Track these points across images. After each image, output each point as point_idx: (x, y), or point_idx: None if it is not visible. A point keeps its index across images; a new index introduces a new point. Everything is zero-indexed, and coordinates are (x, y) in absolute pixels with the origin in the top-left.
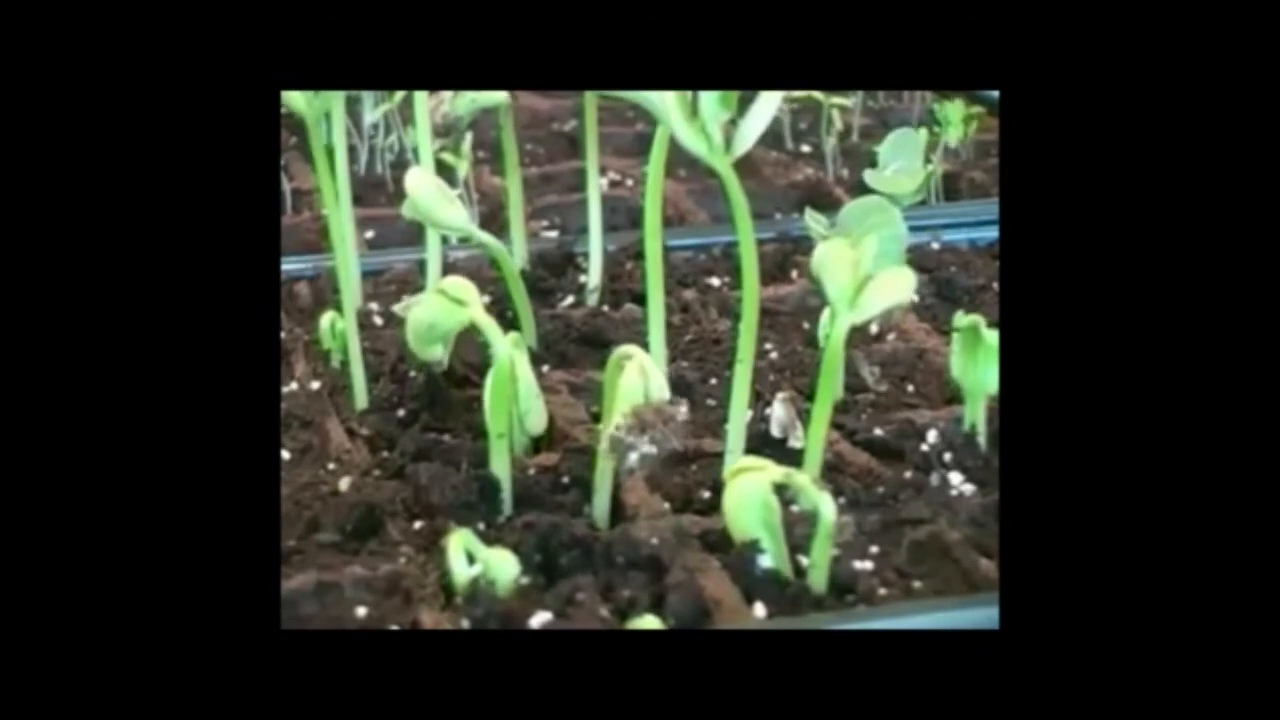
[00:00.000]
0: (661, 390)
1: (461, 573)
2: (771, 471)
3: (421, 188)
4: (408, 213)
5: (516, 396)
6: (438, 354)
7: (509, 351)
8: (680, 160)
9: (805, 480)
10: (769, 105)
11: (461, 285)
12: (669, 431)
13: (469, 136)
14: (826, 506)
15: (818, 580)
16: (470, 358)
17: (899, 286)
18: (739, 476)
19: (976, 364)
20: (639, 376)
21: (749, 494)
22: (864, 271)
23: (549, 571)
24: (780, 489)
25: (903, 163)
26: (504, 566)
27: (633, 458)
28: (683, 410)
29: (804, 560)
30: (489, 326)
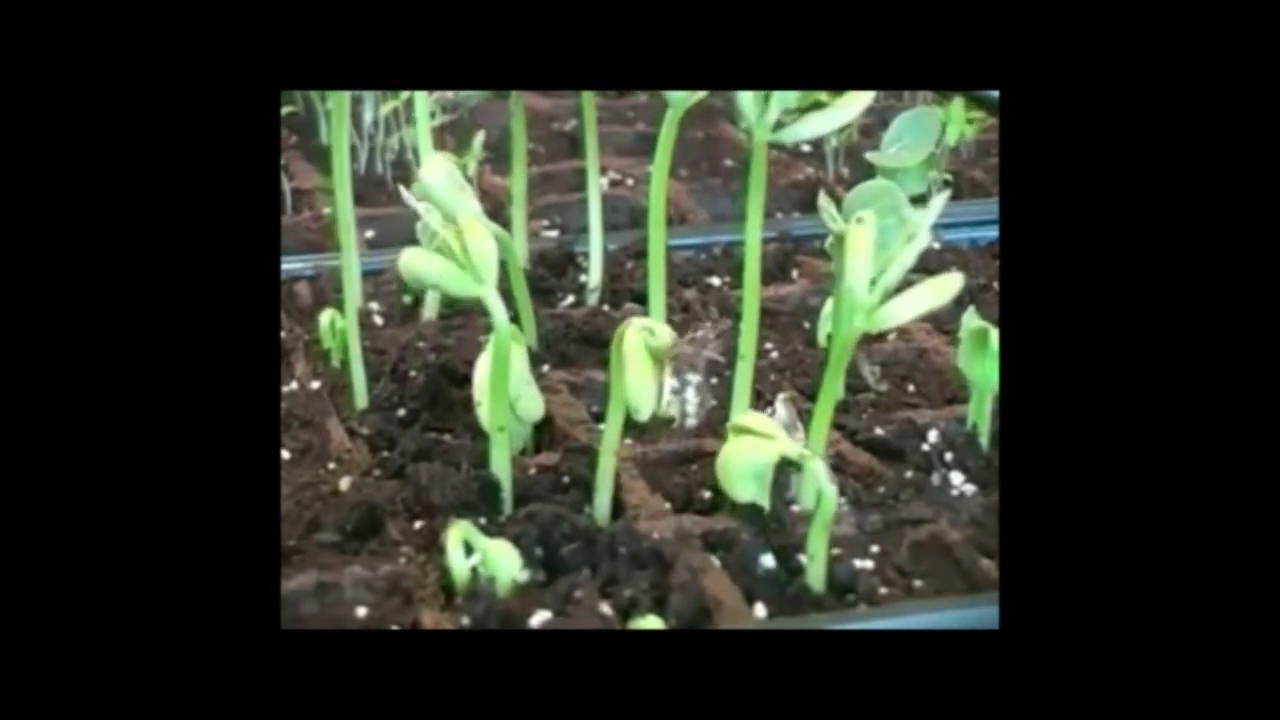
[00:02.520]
0: (669, 334)
1: (459, 565)
2: (784, 445)
3: (437, 175)
4: (416, 199)
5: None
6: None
7: (508, 329)
8: (681, 160)
9: (817, 462)
10: (839, 115)
11: (484, 252)
12: (703, 349)
13: (480, 135)
14: (830, 488)
15: (815, 575)
16: (470, 355)
17: (939, 294)
18: (747, 438)
19: (984, 359)
20: (639, 333)
21: (752, 459)
22: (887, 281)
23: (550, 565)
24: (780, 469)
25: (909, 141)
26: (504, 558)
27: (691, 394)
28: (707, 329)
29: (803, 559)
30: (497, 307)
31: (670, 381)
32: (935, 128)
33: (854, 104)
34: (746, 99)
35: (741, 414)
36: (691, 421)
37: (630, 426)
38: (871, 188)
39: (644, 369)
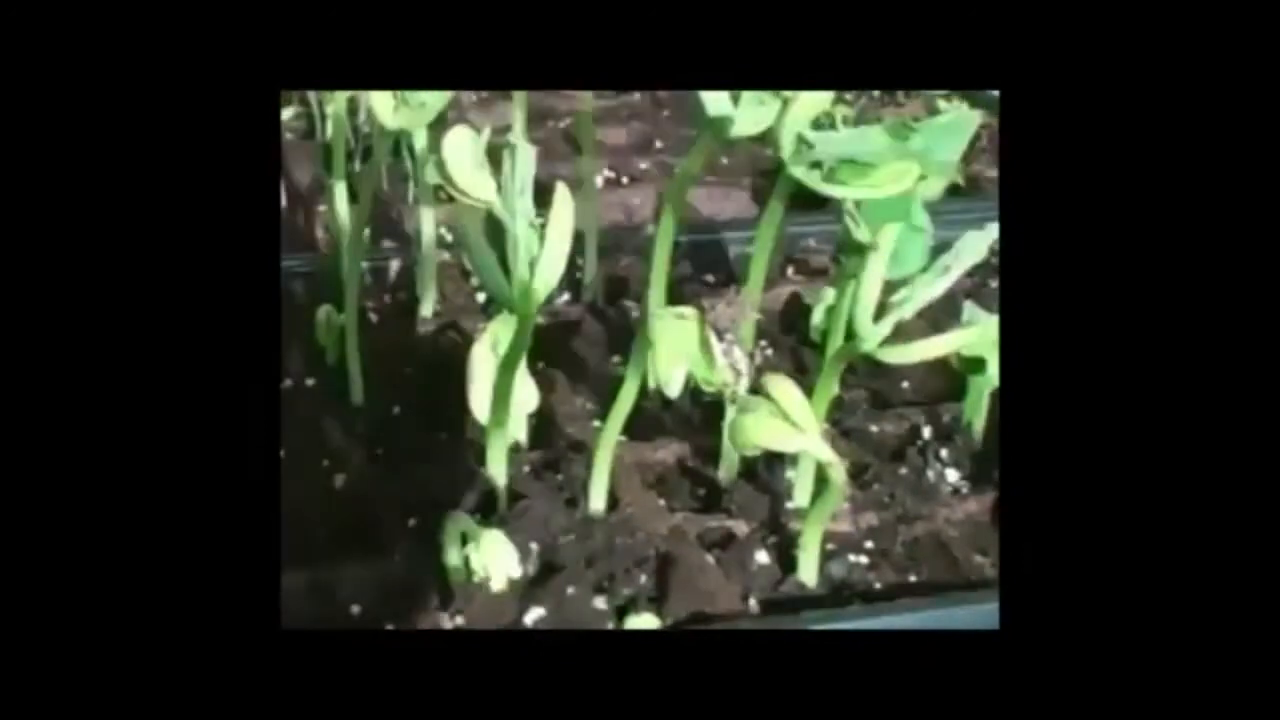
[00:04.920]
0: (696, 313)
1: (455, 558)
2: (813, 442)
3: (461, 149)
4: (431, 176)
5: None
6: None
7: (527, 333)
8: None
9: (839, 470)
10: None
11: (556, 268)
12: (741, 310)
13: (486, 131)
14: (840, 493)
15: (809, 569)
16: (464, 350)
17: (949, 346)
18: (779, 423)
19: (981, 365)
20: (666, 318)
21: (773, 441)
22: (903, 314)
23: (546, 560)
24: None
25: (934, 148)
26: (499, 552)
27: (738, 354)
28: (739, 293)
29: (798, 553)
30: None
31: (719, 346)
32: (965, 136)
33: (875, 136)
34: (789, 138)
35: (778, 381)
36: (744, 381)
37: (628, 428)
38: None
39: (673, 348)
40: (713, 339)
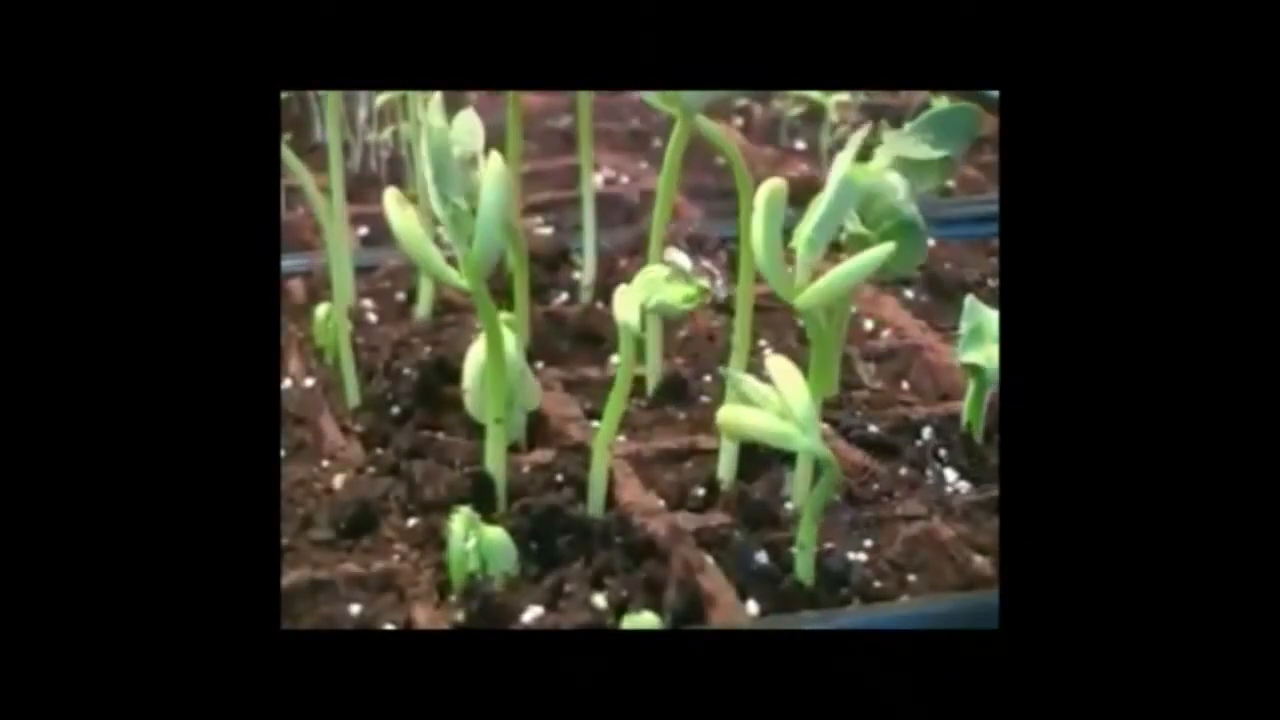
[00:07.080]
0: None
1: (460, 553)
2: (816, 445)
3: (496, 178)
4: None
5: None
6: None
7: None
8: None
9: (835, 471)
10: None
11: None
12: (684, 225)
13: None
14: (835, 475)
15: (805, 566)
16: (463, 349)
17: (864, 267)
18: (784, 423)
19: (984, 358)
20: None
21: (764, 437)
22: (809, 232)
23: (545, 558)
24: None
25: (937, 136)
26: (500, 549)
27: (707, 264)
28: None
29: (795, 551)
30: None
31: (687, 261)
32: (968, 127)
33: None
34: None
35: (780, 365)
36: (720, 284)
37: (626, 427)
38: (870, 188)
39: (635, 293)
40: (678, 256)
